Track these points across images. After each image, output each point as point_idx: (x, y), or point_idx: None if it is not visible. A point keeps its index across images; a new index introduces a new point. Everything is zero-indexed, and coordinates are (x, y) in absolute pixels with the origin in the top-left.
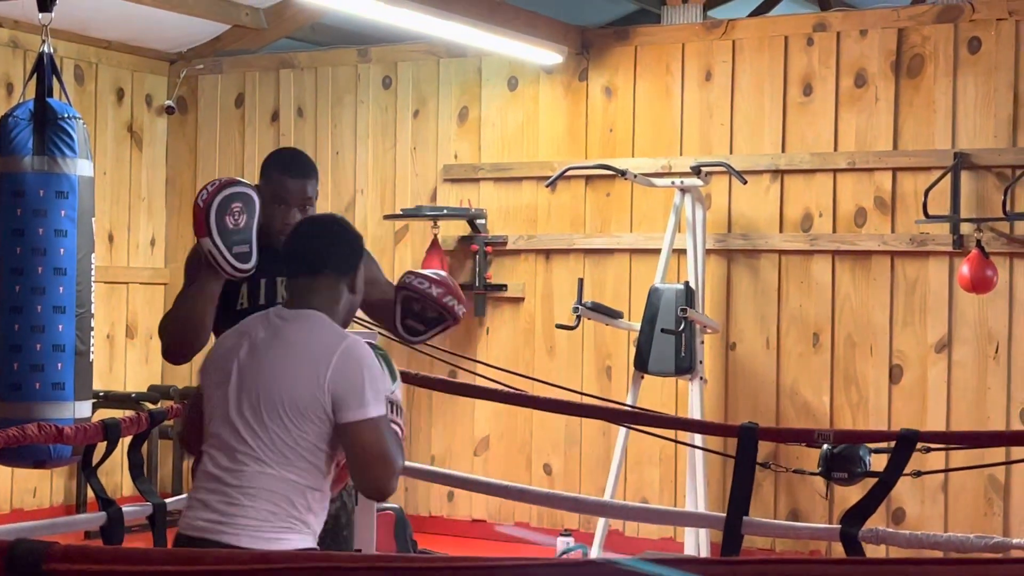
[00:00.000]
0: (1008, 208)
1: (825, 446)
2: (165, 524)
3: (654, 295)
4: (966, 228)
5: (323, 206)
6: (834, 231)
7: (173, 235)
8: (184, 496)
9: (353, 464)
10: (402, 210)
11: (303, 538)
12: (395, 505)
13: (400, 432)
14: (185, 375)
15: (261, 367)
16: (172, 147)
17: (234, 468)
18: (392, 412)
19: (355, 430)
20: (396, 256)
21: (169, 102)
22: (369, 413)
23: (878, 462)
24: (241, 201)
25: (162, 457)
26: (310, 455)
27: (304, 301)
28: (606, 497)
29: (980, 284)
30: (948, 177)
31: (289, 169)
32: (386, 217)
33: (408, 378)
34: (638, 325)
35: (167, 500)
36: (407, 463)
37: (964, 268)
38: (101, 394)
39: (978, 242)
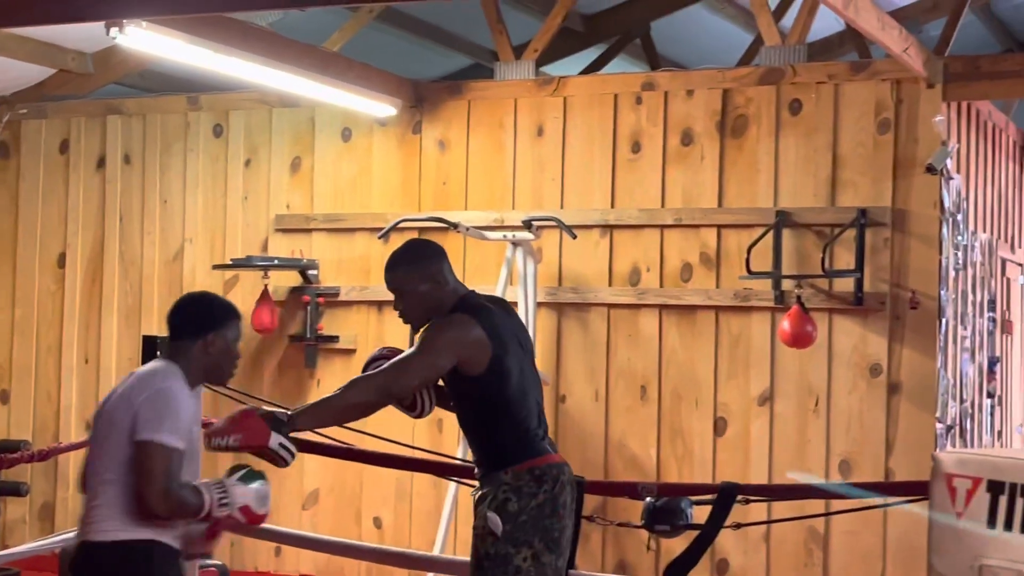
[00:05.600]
0: (827, 265)
1: (648, 499)
2: None
3: None
4: (787, 284)
5: (150, 255)
6: (661, 286)
7: None
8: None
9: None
10: (232, 260)
11: (156, 532)
12: (219, 562)
13: (232, 515)
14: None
15: (110, 401)
16: None
17: (95, 487)
18: (218, 493)
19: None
20: None
21: None
22: (160, 438)
23: (701, 514)
24: None
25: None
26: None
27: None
28: (436, 551)
29: (800, 339)
30: (770, 235)
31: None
32: (215, 267)
33: None
34: None
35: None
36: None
37: (785, 323)
38: None
39: (798, 298)
